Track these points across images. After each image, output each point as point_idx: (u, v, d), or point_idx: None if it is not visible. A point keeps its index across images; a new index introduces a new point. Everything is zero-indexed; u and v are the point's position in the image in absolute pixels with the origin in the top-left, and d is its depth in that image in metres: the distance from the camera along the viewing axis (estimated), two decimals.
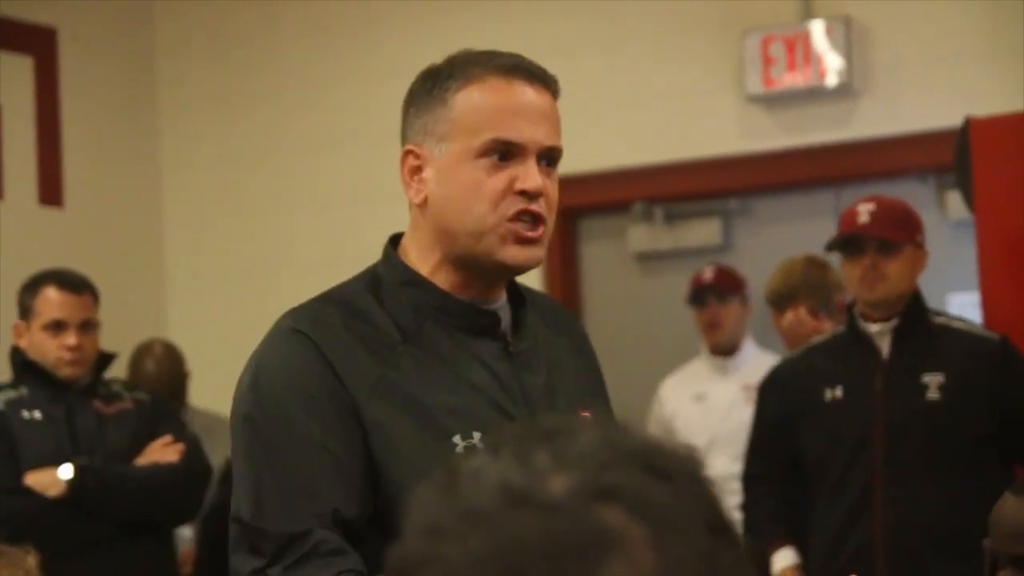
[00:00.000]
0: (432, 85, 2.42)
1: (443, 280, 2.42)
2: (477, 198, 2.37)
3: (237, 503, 2.34)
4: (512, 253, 2.38)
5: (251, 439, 2.33)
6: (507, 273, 2.43)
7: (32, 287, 4.71)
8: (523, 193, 2.37)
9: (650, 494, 1.00)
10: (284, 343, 2.35)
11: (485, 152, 2.38)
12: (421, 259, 2.43)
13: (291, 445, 2.30)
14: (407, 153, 2.43)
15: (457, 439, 2.31)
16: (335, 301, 2.41)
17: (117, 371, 5.97)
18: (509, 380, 2.41)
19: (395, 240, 2.49)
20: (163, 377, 6.11)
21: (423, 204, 2.42)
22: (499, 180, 2.37)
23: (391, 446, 2.29)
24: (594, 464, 1.01)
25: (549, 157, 2.42)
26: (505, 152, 2.38)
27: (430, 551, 1.02)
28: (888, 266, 4.32)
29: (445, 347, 2.39)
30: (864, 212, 4.35)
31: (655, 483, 1.00)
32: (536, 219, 2.38)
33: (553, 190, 2.42)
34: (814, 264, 5.28)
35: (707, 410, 5.87)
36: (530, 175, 2.37)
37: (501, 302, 2.47)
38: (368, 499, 2.30)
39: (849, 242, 4.37)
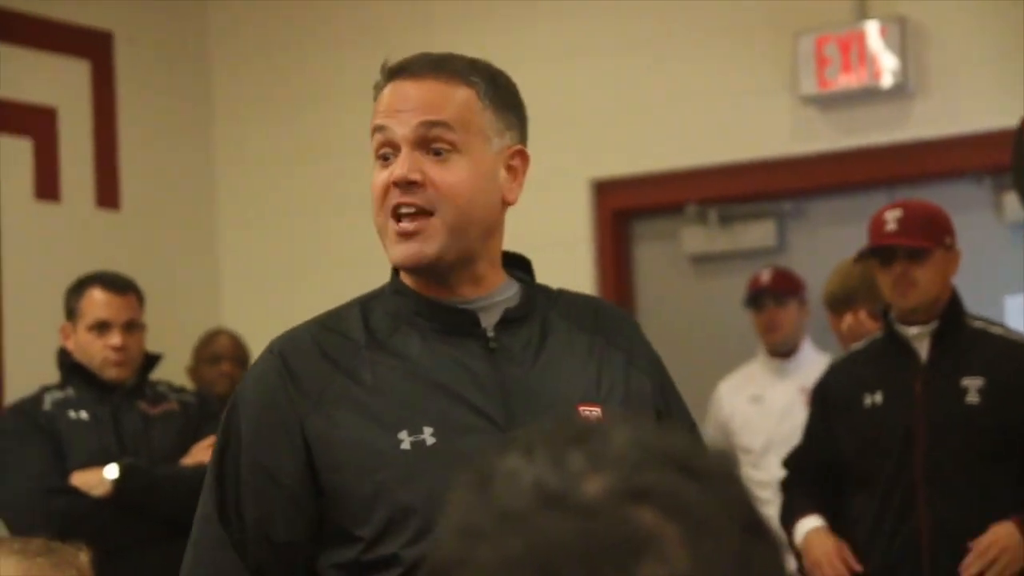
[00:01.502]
0: None
1: (414, 285, 2.41)
2: (375, 202, 2.37)
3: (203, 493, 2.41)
4: (394, 252, 2.34)
5: (216, 449, 2.39)
6: (414, 272, 2.37)
7: (77, 289, 4.75)
8: (395, 185, 2.32)
9: (683, 494, 1.00)
10: (259, 363, 2.41)
11: (376, 154, 2.37)
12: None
13: (236, 464, 2.35)
14: None
15: (403, 435, 2.29)
16: (322, 318, 2.43)
17: (174, 370, 6.01)
18: (486, 376, 2.34)
19: None
20: (236, 352, 6.16)
21: None
22: (382, 178, 2.35)
23: (332, 450, 2.31)
24: (628, 465, 1.01)
25: (436, 147, 2.33)
26: (387, 153, 2.35)
27: (465, 553, 1.02)
28: (918, 273, 4.32)
29: (413, 349, 2.36)
30: (891, 220, 4.35)
31: (688, 483, 1.01)
32: (410, 211, 2.32)
33: (446, 176, 2.32)
34: (872, 266, 5.25)
35: (764, 412, 5.86)
36: (397, 164, 2.33)
37: (491, 298, 2.41)
38: (307, 519, 2.32)
39: (879, 252, 4.38)
